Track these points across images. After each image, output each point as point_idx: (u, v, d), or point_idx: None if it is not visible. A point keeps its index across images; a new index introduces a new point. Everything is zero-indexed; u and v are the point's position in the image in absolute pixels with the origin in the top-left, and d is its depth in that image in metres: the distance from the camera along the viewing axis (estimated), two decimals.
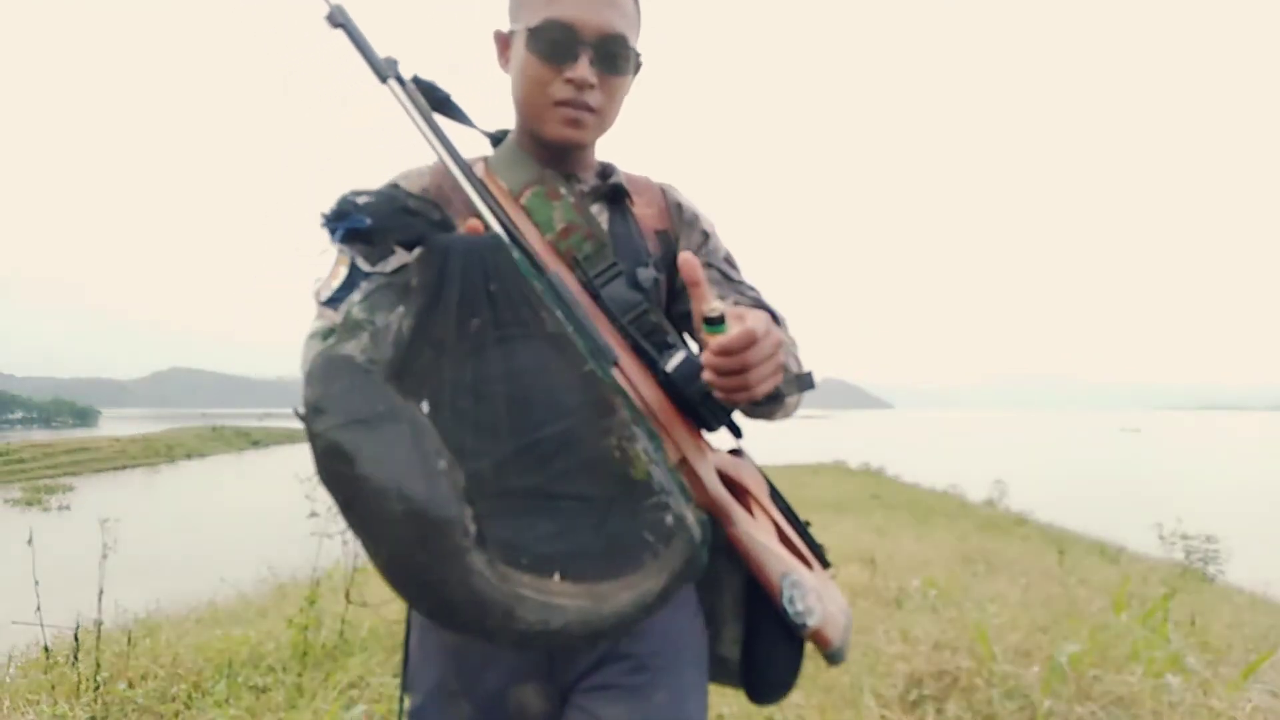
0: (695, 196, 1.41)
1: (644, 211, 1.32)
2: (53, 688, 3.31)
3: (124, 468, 35.17)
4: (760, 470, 1.27)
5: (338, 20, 1.08)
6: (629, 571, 0.98)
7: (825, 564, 1.28)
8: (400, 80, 1.11)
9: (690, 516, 1.02)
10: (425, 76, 1.18)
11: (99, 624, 3.57)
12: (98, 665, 3.33)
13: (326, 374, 0.92)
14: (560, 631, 0.92)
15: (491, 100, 1.33)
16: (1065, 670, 3.02)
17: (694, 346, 1.17)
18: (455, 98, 1.22)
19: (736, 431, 1.19)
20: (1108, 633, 3.39)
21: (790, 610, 1.13)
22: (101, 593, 3.59)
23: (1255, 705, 2.80)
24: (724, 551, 1.18)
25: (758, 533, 1.17)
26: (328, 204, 0.98)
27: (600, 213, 1.27)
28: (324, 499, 3.94)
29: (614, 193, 1.29)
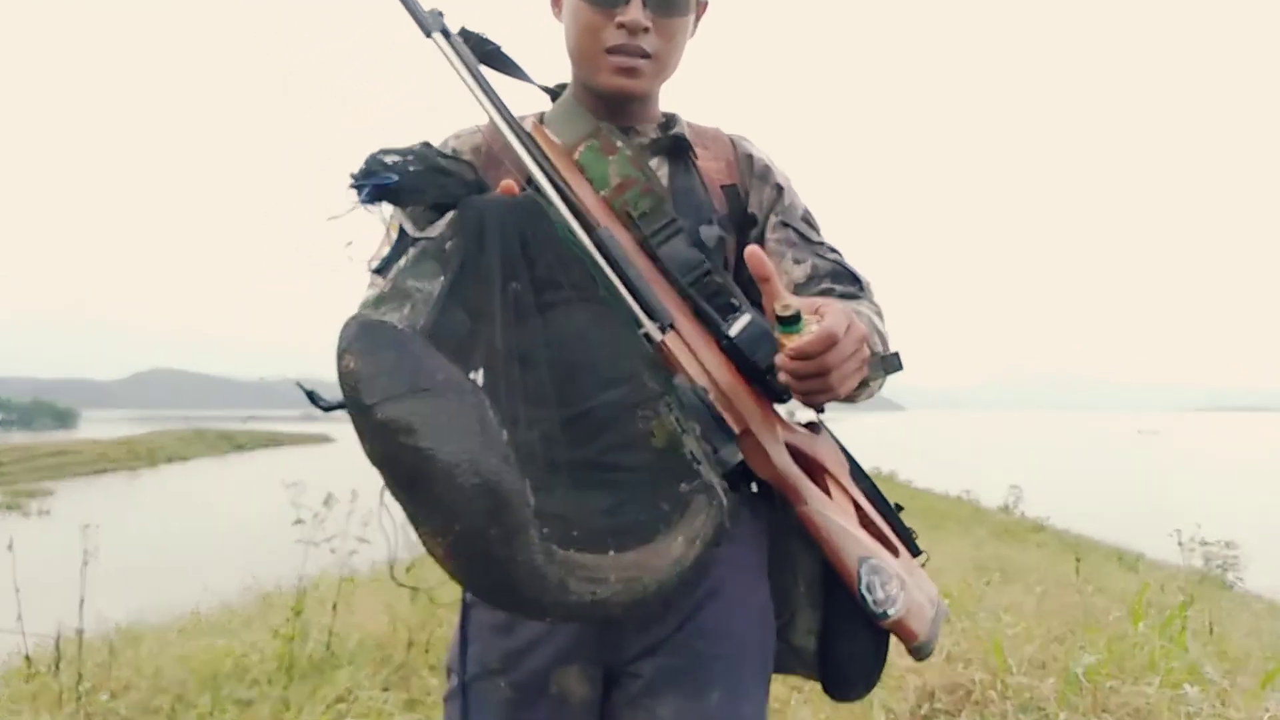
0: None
1: (710, 165, 1.22)
2: (34, 698, 3.23)
3: (104, 471, 34.87)
4: (842, 445, 1.16)
5: None
6: (666, 539, 0.93)
7: (915, 551, 1.17)
8: (446, 33, 1.04)
9: (718, 484, 0.96)
10: (473, 28, 1.09)
11: (80, 633, 3.48)
12: (80, 675, 3.25)
13: (367, 341, 0.84)
14: (606, 601, 0.88)
15: (550, 52, 1.24)
16: (1081, 682, 2.97)
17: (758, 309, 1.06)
18: (508, 49, 1.13)
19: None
20: (1125, 642, 3.35)
21: (869, 598, 1.04)
22: (83, 601, 3.51)
23: (1273, 715, 2.77)
24: (797, 533, 1.11)
25: (833, 514, 1.08)
26: (356, 163, 0.92)
27: (660, 166, 1.18)
28: (309, 505, 3.84)
29: (675, 145, 1.20)
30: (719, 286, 1.08)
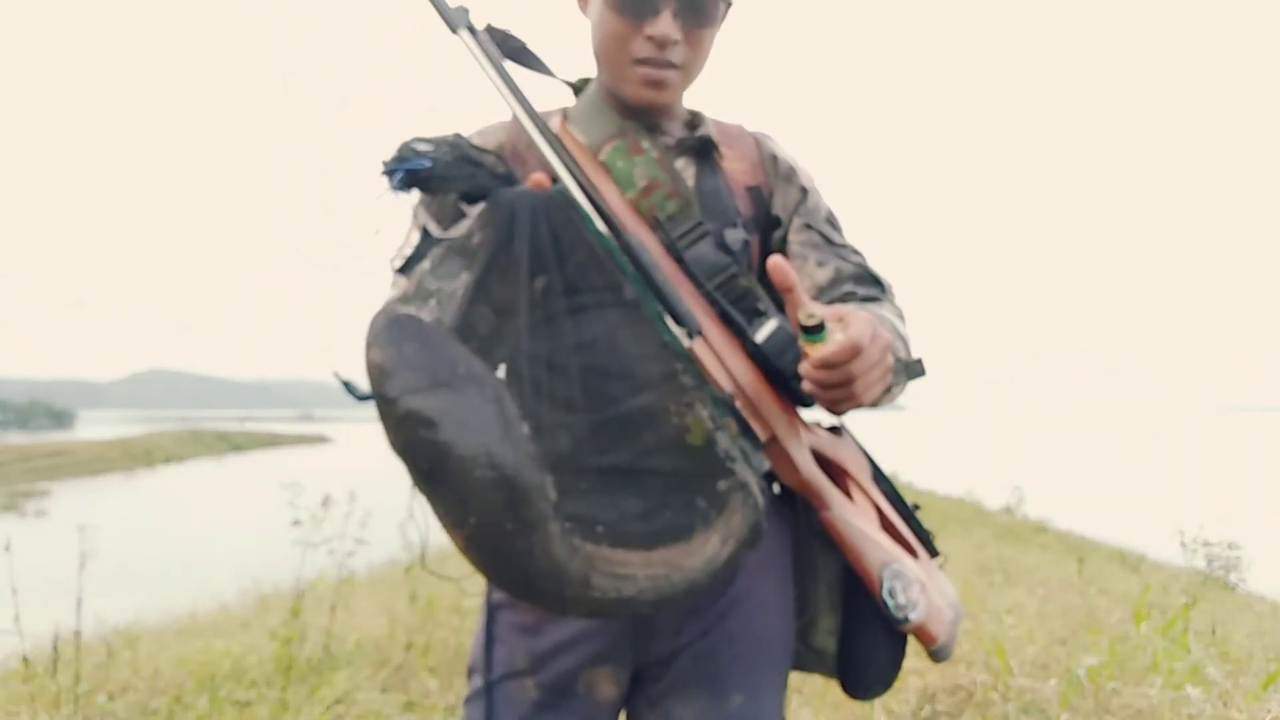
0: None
1: (735, 165, 1.20)
2: (32, 699, 3.21)
3: (101, 472, 34.81)
4: (863, 449, 1.17)
5: None
6: (701, 538, 0.93)
7: (933, 552, 1.19)
8: (472, 30, 1.03)
9: (754, 483, 0.96)
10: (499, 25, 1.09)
11: (78, 634, 3.47)
12: (77, 677, 3.23)
13: (393, 334, 0.85)
14: (632, 599, 0.88)
15: (575, 43, 1.23)
16: (1084, 683, 2.96)
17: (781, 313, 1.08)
18: (534, 44, 1.13)
19: None
20: (1127, 644, 3.34)
21: (890, 603, 1.05)
22: (80, 602, 3.49)
23: (1275, 716, 2.76)
24: (818, 537, 1.12)
25: (855, 518, 1.09)
26: (387, 151, 0.91)
27: (686, 167, 1.17)
28: (307, 506, 3.83)
29: (701, 146, 1.18)
30: (744, 290, 1.08)
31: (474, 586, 1.16)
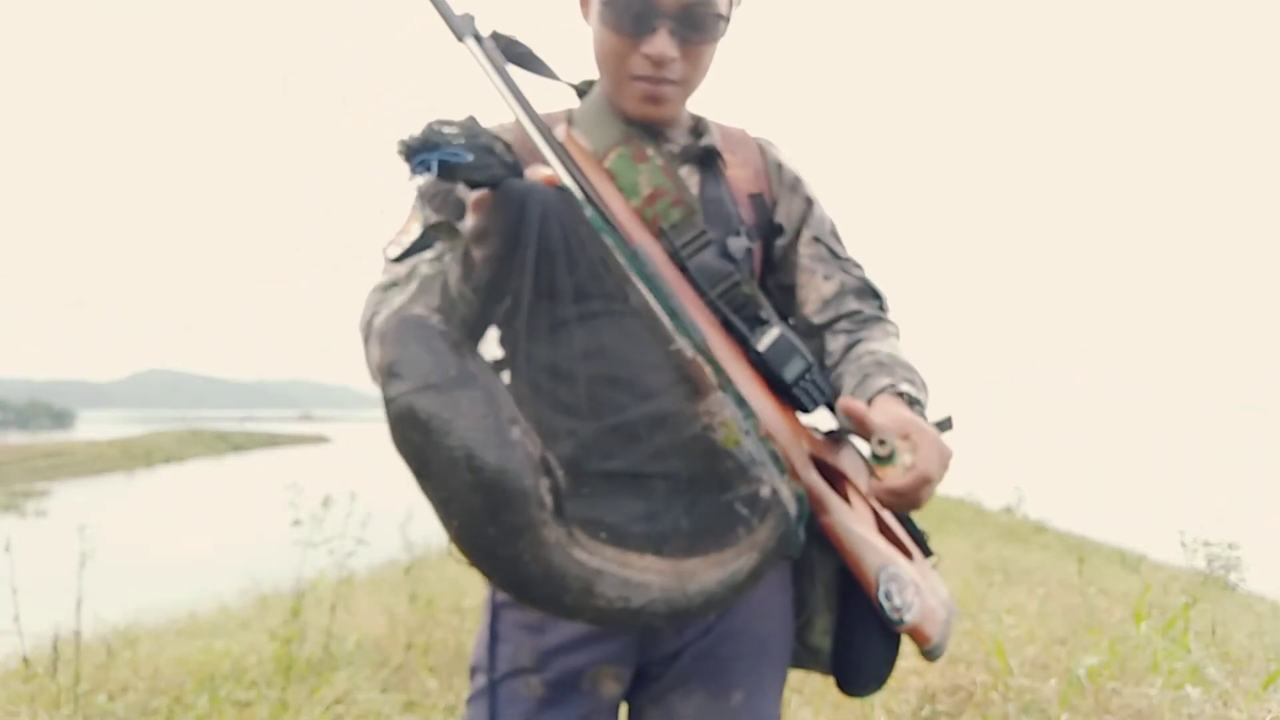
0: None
1: (738, 172, 1.21)
2: (32, 699, 3.20)
3: (101, 472, 34.80)
4: (859, 452, 1.19)
5: None
6: (718, 548, 0.93)
7: (927, 552, 1.21)
8: (478, 38, 1.03)
9: (785, 490, 0.97)
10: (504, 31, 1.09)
11: (78, 634, 3.47)
12: (77, 677, 3.23)
13: (400, 336, 0.86)
14: (642, 610, 0.88)
15: (579, 44, 1.21)
16: (1084, 683, 2.96)
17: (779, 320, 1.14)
18: (539, 44, 1.14)
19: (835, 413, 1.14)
20: (1127, 644, 3.33)
21: (887, 605, 1.07)
22: (80, 602, 3.49)
23: (1275, 716, 2.75)
24: (817, 540, 1.13)
25: (854, 523, 1.11)
26: (407, 131, 0.88)
27: (690, 175, 1.17)
28: (307, 506, 3.83)
29: (705, 154, 1.18)
30: (746, 299, 1.10)
31: (474, 586, 1.17)
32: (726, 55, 1.14)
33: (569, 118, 1.18)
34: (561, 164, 1.02)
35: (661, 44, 1.06)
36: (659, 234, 1.08)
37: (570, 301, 0.90)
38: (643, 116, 1.13)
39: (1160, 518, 11.54)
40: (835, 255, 1.24)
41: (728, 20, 1.11)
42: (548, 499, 0.85)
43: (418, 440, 0.84)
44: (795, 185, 1.24)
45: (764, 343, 1.07)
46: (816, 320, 1.21)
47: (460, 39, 1.02)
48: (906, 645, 1.17)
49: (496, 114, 1.13)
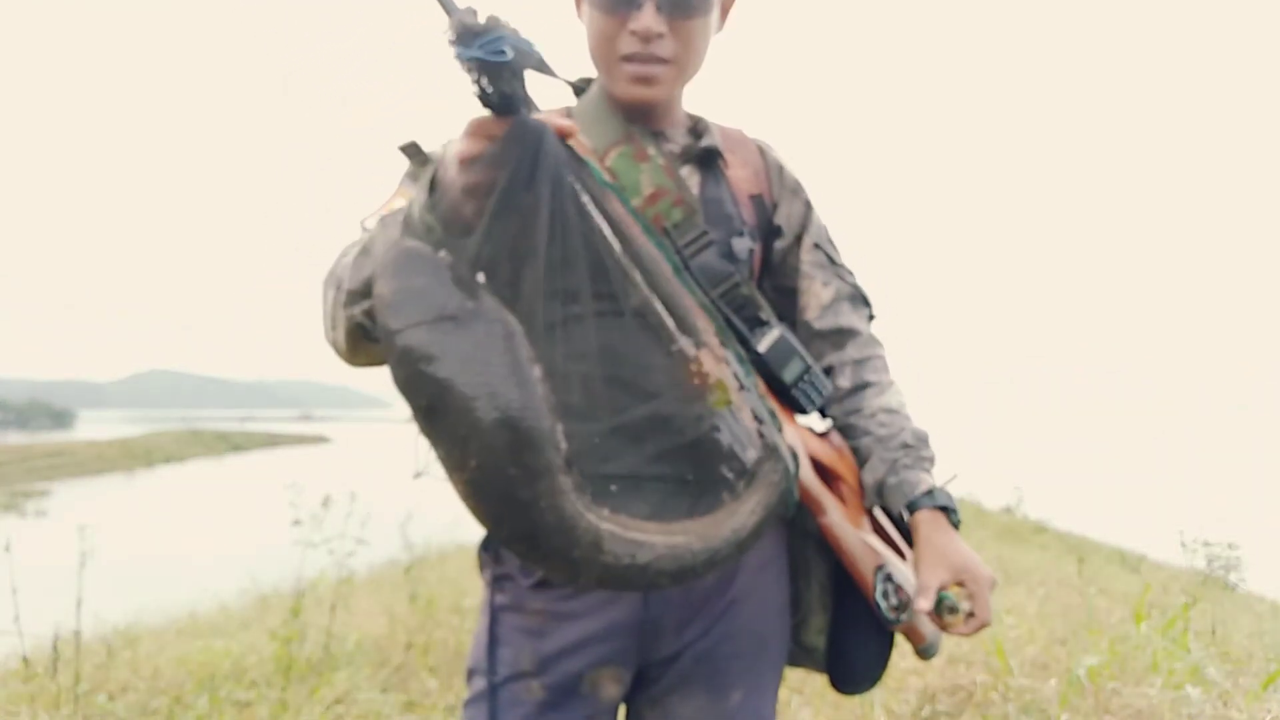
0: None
1: (738, 173, 1.21)
2: (32, 699, 3.20)
3: (101, 472, 34.79)
4: (851, 452, 1.21)
5: None
6: (723, 510, 0.92)
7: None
8: None
9: (784, 446, 0.97)
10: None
11: (78, 634, 3.47)
12: (77, 677, 3.23)
13: (403, 266, 0.81)
14: (648, 567, 0.85)
15: (577, 43, 1.21)
16: (1084, 683, 2.95)
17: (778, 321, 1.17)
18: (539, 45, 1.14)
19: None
20: (1127, 644, 3.33)
21: (884, 605, 1.10)
22: (80, 602, 3.48)
23: (1275, 716, 2.75)
24: (813, 539, 1.16)
25: (850, 523, 1.13)
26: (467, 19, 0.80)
27: (691, 175, 1.17)
28: (307, 506, 3.81)
29: (706, 154, 1.18)
30: (745, 299, 1.11)
31: (474, 586, 1.16)
32: (727, 55, 1.14)
33: (566, 113, 1.17)
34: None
35: (647, 18, 1.05)
36: (660, 234, 1.08)
37: (581, 302, 0.87)
38: (634, 99, 1.11)
39: (1160, 518, 11.53)
40: (832, 261, 1.26)
41: None
42: (563, 444, 0.82)
43: (428, 375, 0.78)
44: (797, 189, 1.25)
45: (764, 344, 1.09)
46: (817, 326, 1.23)
47: None
48: (903, 645, 1.19)
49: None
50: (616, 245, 0.97)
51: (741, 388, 0.96)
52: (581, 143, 1.12)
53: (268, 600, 6.56)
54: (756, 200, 1.22)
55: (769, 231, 1.23)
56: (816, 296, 1.23)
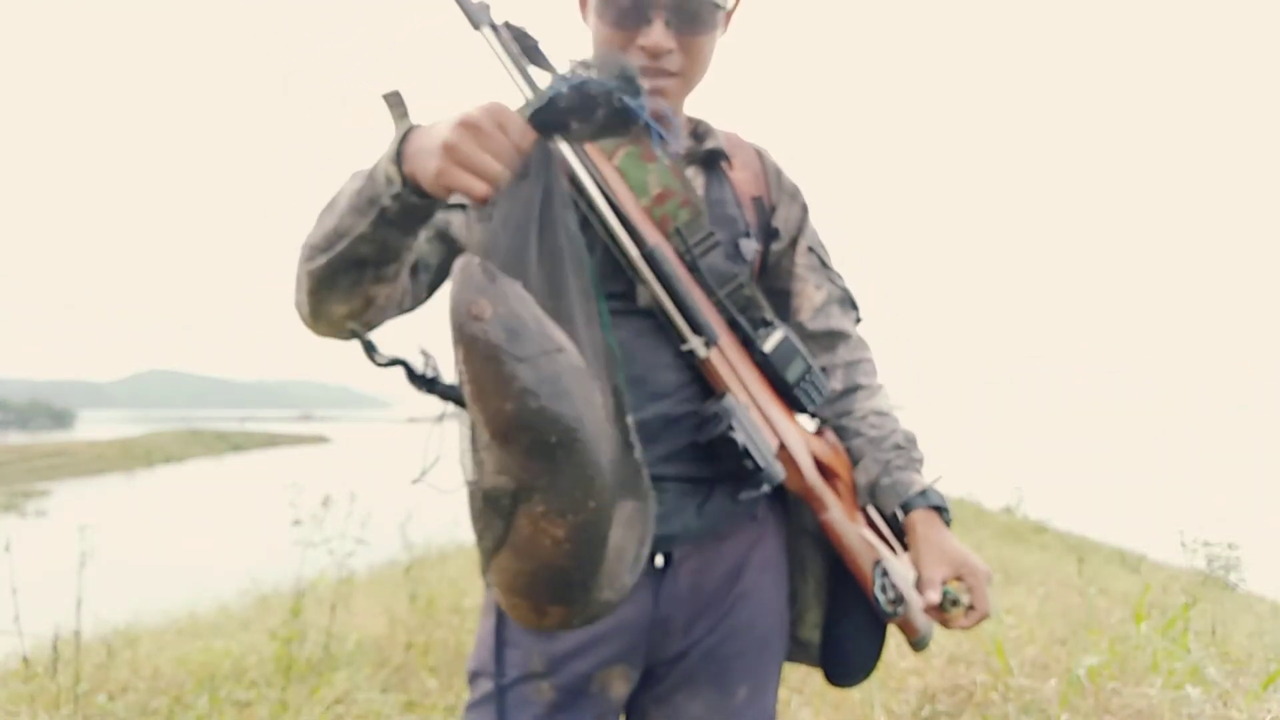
0: None
1: (739, 175, 1.23)
2: (32, 699, 3.20)
3: (101, 472, 34.79)
4: (845, 449, 1.24)
5: None
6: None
7: (906, 544, 1.26)
8: (494, 27, 1.03)
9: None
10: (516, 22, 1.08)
11: (78, 634, 3.47)
12: (77, 677, 3.23)
13: (499, 291, 0.75)
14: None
15: (578, 43, 1.22)
16: (1084, 683, 2.95)
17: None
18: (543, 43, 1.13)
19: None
20: (1127, 644, 3.32)
21: (882, 599, 1.13)
22: (80, 602, 3.49)
23: (1275, 716, 2.75)
24: (809, 535, 1.20)
25: (849, 519, 1.17)
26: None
27: (695, 177, 1.18)
28: (307, 506, 3.81)
29: (710, 156, 1.20)
30: (749, 299, 1.12)
31: (474, 586, 1.16)
32: (726, 56, 1.13)
33: None
34: (575, 157, 1.03)
35: (657, 35, 1.06)
36: (670, 234, 1.09)
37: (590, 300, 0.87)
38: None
39: (1160, 518, 11.52)
40: (824, 265, 1.28)
41: (726, 11, 1.11)
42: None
43: (567, 410, 0.73)
44: (795, 193, 1.27)
45: (770, 344, 1.10)
46: (809, 328, 1.25)
47: (477, 27, 1.02)
48: (901, 645, 1.21)
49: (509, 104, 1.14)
50: (631, 247, 0.97)
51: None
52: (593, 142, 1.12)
53: (268, 600, 6.56)
54: (757, 202, 1.23)
55: (768, 234, 1.24)
56: (809, 299, 1.26)
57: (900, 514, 1.18)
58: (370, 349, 0.78)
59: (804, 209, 1.27)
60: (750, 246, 1.17)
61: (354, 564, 5.03)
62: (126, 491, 27.75)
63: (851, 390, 1.25)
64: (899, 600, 1.13)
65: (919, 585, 1.12)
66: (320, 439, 61.24)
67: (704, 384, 1.07)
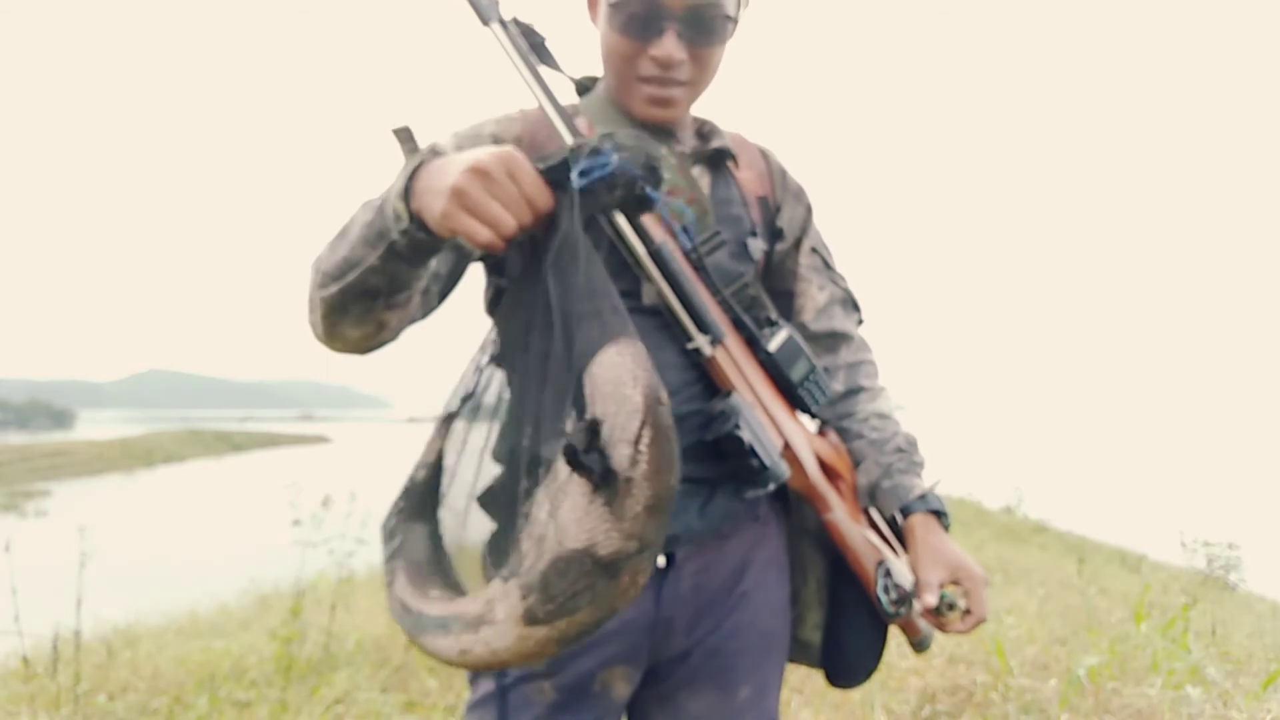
0: None
1: (745, 175, 1.23)
2: (32, 699, 3.21)
3: (101, 472, 34.77)
4: (845, 449, 1.24)
5: None
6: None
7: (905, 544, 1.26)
8: (503, 23, 1.03)
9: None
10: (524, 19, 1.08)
11: (78, 634, 3.47)
12: (77, 677, 3.23)
13: (651, 365, 0.79)
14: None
15: (580, 42, 1.23)
16: (1084, 683, 2.95)
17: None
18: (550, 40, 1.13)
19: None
20: (1127, 644, 3.33)
21: (884, 599, 1.14)
22: (80, 602, 3.49)
23: (1275, 716, 2.74)
24: (810, 536, 1.21)
25: (852, 521, 1.17)
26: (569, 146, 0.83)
27: (701, 176, 1.18)
28: (307, 506, 3.81)
29: (717, 156, 1.20)
30: (753, 299, 1.13)
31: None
32: (727, 55, 1.13)
33: (577, 111, 1.17)
34: None
35: (669, 46, 1.06)
36: (675, 232, 1.09)
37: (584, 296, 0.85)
38: (650, 119, 1.13)
39: (1160, 518, 11.53)
40: (827, 265, 1.29)
41: (736, 21, 1.11)
42: None
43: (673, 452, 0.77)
44: (800, 194, 1.27)
45: (775, 343, 1.10)
46: (812, 329, 1.26)
47: (486, 23, 1.02)
48: (899, 645, 1.22)
49: (514, 101, 1.16)
50: (638, 245, 0.96)
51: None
52: None
53: (268, 600, 6.55)
54: (762, 202, 1.23)
55: (772, 234, 1.24)
56: (812, 299, 1.26)
57: (899, 517, 1.18)
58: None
59: (808, 210, 1.27)
60: (756, 246, 1.17)
61: (354, 564, 5.03)
62: (126, 491, 27.73)
63: (853, 392, 1.25)
64: (902, 601, 1.13)
65: (916, 588, 1.12)
66: (320, 439, 61.26)
67: (709, 383, 1.07)
